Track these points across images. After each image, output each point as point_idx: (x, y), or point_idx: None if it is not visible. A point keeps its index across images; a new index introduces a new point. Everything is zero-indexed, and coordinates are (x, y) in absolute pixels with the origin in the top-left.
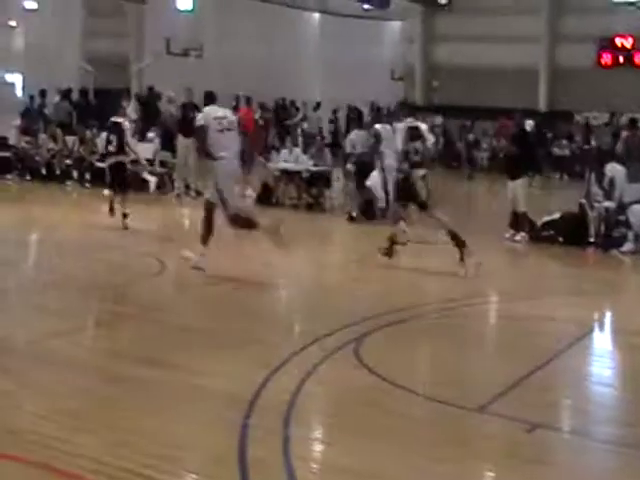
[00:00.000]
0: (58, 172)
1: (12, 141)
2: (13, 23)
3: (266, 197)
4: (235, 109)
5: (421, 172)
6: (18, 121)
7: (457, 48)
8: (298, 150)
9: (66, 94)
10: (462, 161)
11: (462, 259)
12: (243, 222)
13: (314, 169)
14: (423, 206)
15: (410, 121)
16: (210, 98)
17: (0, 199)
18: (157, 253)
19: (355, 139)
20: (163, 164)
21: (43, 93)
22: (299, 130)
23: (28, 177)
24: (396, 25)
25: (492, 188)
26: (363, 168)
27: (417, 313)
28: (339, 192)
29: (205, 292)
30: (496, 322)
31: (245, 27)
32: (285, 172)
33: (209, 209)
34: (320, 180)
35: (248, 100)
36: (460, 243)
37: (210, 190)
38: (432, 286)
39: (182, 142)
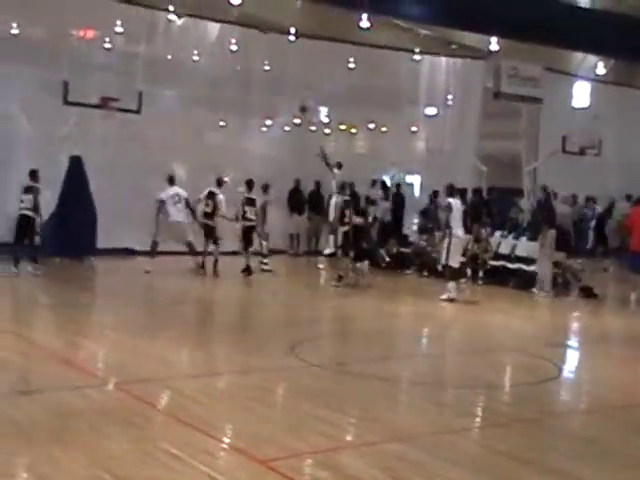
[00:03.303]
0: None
1: (412, 239)
2: (414, 128)
3: None
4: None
5: None
6: (416, 219)
7: None
8: None
9: (461, 193)
10: None
11: None
12: None
13: None
14: None
15: None
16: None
17: (396, 292)
18: (550, 356)
19: None
20: (557, 265)
21: (435, 194)
22: None
23: (425, 273)
24: None
25: None
26: None
27: None
28: None
29: (605, 402)
30: None
31: None
32: None
33: None
34: None
35: None
36: None
37: None
38: None
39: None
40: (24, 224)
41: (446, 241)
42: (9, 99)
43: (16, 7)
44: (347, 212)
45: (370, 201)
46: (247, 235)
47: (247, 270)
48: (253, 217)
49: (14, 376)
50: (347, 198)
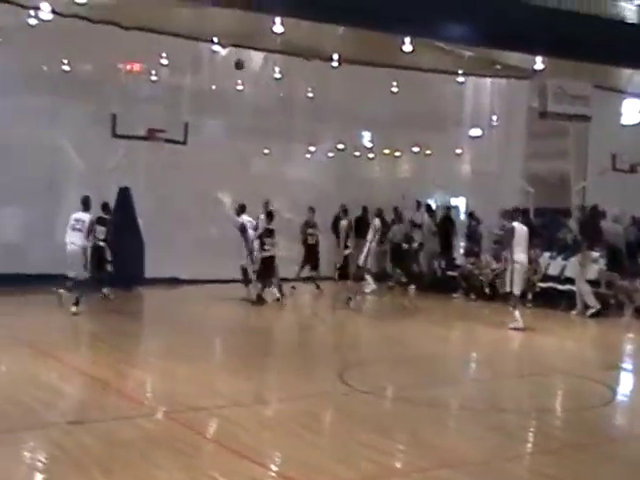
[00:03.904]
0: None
1: (459, 261)
2: (459, 150)
3: None
4: None
5: None
6: (462, 242)
7: None
8: None
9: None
10: None
11: None
12: None
13: None
14: None
15: None
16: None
17: (445, 315)
18: (604, 379)
19: None
20: (609, 285)
21: (471, 215)
22: None
23: (472, 296)
24: None
25: None
26: None
27: None
28: None
29: None
30: None
31: None
32: None
33: None
34: None
35: None
36: None
37: None
38: None
39: None
40: (96, 254)
41: (509, 268)
42: (60, 132)
43: (66, 44)
44: (350, 235)
45: (415, 225)
46: (267, 266)
47: (279, 299)
48: (271, 248)
49: (64, 405)
50: (345, 222)
